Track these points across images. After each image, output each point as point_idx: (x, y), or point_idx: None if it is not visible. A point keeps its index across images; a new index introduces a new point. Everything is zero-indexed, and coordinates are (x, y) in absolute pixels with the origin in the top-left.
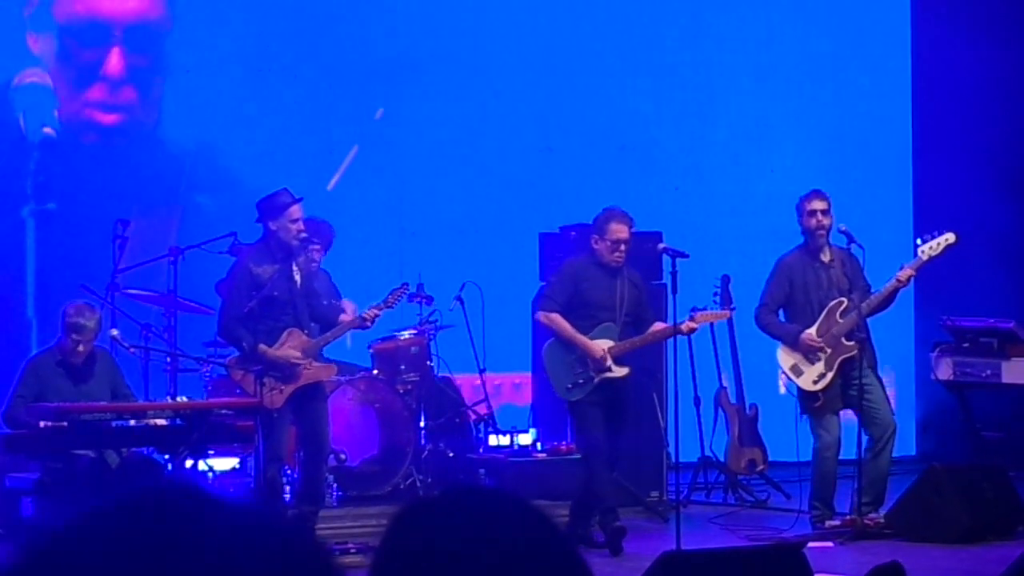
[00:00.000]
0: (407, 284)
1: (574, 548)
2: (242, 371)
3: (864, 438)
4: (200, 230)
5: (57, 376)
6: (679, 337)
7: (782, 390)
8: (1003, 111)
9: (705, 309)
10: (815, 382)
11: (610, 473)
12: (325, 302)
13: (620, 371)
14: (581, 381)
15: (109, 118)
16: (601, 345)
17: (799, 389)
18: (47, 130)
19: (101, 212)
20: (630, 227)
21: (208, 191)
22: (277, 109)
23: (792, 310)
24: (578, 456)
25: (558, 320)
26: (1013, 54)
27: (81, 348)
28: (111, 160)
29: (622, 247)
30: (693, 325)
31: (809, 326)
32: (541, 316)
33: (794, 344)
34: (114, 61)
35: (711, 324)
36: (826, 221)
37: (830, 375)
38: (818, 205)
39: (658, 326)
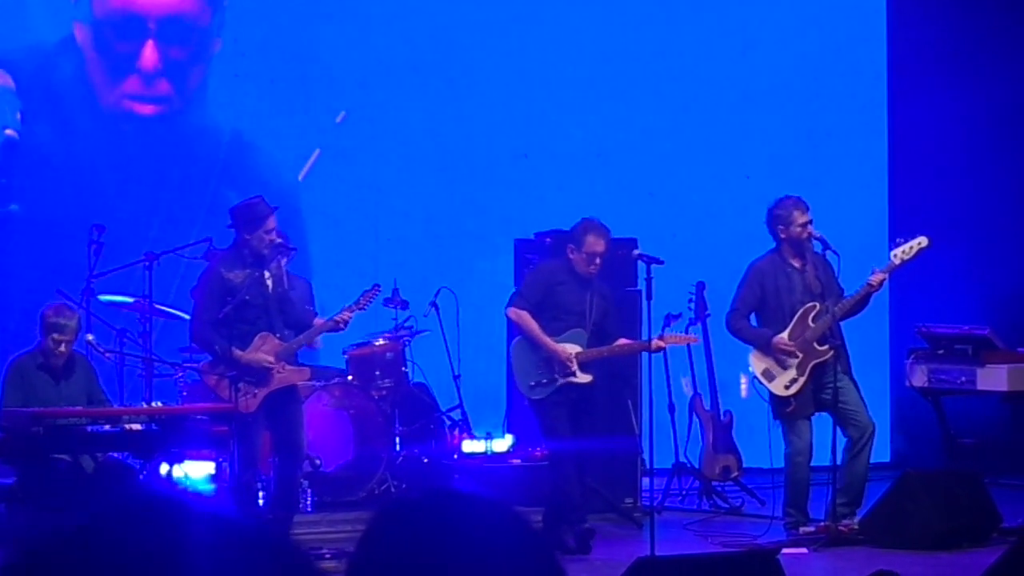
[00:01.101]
0: (379, 286)
1: (551, 551)
2: (216, 376)
3: (842, 440)
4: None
5: (38, 378)
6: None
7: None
8: (980, 117)
9: (673, 330)
10: (787, 387)
11: (576, 473)
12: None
13: (584, 378)
14: (544, 381)
15: (146, 109)
16: (569, 349)
17: (771, 394)
18: (9, 132)
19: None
20: (607, 240)
21: (240, 186)
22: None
23: (764, 314)
24: None
25: (527, 319)
26: (989, 60)
27: (63, 348)
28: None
29: (597, 260)
30: (661, 344)
31: (781, 331)
32: (511, 312)
33: (766, 349)
34: (148, 54)
35: (629, 355)
36: (812, 231)
37: (802, 380)
38: (808, 217)
39: (623, 341)
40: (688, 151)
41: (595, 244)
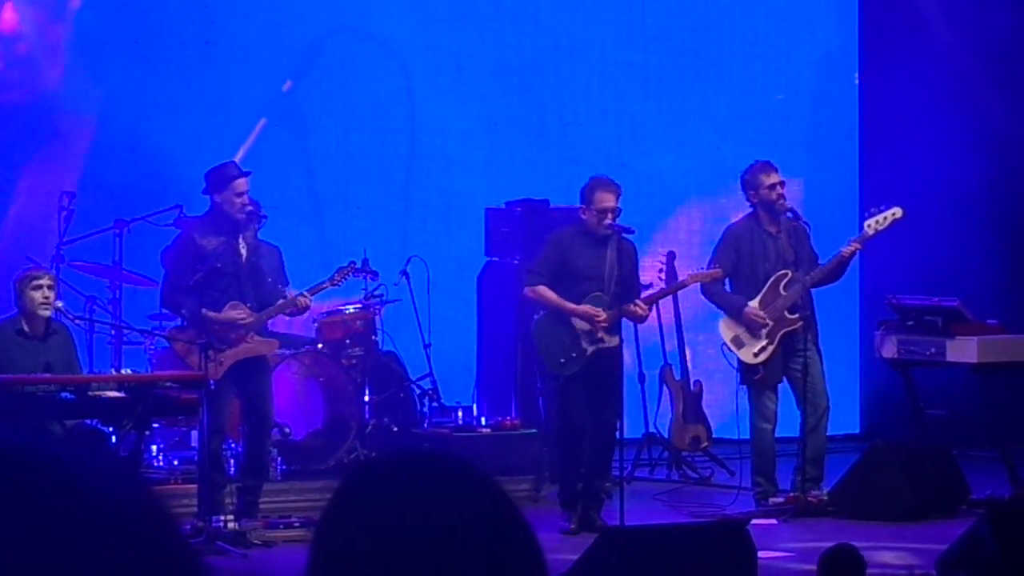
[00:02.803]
0: (355, 262)
1: (521, 515)
2: (185, 343)
3: (798, 414)
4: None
5: (16, 345)
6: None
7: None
8: (950, 88)
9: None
10: (756, 355)
11: (581, 449)
12: (270, 280)
13: (612, 340)
14: (574, 355)
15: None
16: (594, 308)
17: (739, 361)
18: None
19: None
20: (617, 195)
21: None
22: (191, 78)
23: (737, 280)
24: (524, 431)
25: (545, 292)
26: (962, 29)
27: (46, 295)
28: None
29: (610, 215)
30: (687, 282)
31: (753, 297)
32: (528, 291)
33: (738, 317)
34: (7, 16)
35: (656, 303)
36: (783, 192)
37: (771, 348)
38: (776, 178)
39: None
40: (660, 121)
41: (605, 199)
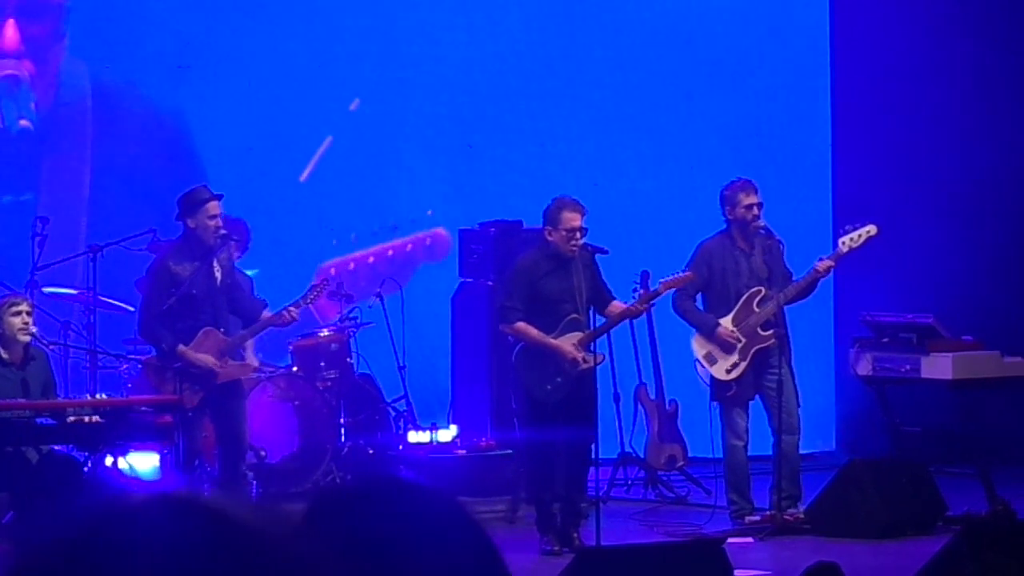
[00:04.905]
0: (327, 280)
1: (490, 540)
2: (159, 373)
3: (771, 432)
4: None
5: None
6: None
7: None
8: (923, 105)
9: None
10: (728, 371)
11: (556, 471)
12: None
13: (592, 361)
14: (560, 379)
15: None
16: (571, 341)
17: (712, 377)
18: (23, 123)
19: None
20: (583, 214)
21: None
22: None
23: (710, 295)
24: (500, 452)
25: (524, 328)
26: (932, 47)
27: (24, 321)
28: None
29: (577, 235)
30: (642, 308)
31: (726, 313)
32: (506, 329)
33: (710, 335)
34: (10, 34)
35: (631, 320)
36: (759, 214)
37: (743, 365)
38: (754, 199)
39: (615, 307)
40: (632, 141)
41: (572, 219)
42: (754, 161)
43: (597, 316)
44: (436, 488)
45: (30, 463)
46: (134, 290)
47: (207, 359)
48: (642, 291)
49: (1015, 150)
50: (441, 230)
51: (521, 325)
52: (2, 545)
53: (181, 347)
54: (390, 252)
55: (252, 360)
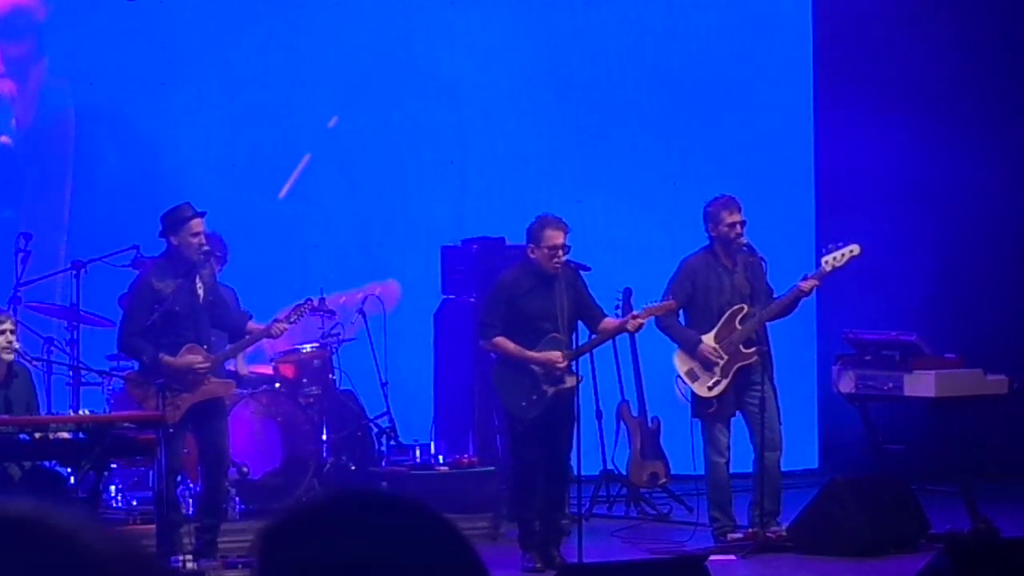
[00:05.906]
0: (311, 299)
1: (474, 553)
2: (141, 388)
3: (752, 449)
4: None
5: None
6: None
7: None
8: (905, 121)
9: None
10: (710, 388)
11: (537, 489)
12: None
13: (571, 381)
14: (535, 397)
15: None
16: (554, 355)
17: (693, 394)
18: (3, 139)
19: None
20: (566, 232)
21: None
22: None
23: (692, 312)
24: (482, 469)
25: (503, 343)
26: (915, 65)
27: (7, 353)
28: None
29: (560, 253)
30: (640, 320)
31: (708, 330)
32: (485, 345)
33: (692, 352)
34: None
35: (613, 338)
36: (742, 231)
37: (725, 382)
38: (737, 217)
39: (609, 323)
40: (614, 157)
41: (554, 237)
42: (737, 178)
43: (581, 334)
44: (413, 500)
45: (12, 479)
46: (117, 306)
47: (192, 359)
48: (631, 314)
49: (998, 169)
50: (393, 282)
51: (499, 340)
52: None
53: (164, 356)
54: (342, 300)
55: (243, 369)
